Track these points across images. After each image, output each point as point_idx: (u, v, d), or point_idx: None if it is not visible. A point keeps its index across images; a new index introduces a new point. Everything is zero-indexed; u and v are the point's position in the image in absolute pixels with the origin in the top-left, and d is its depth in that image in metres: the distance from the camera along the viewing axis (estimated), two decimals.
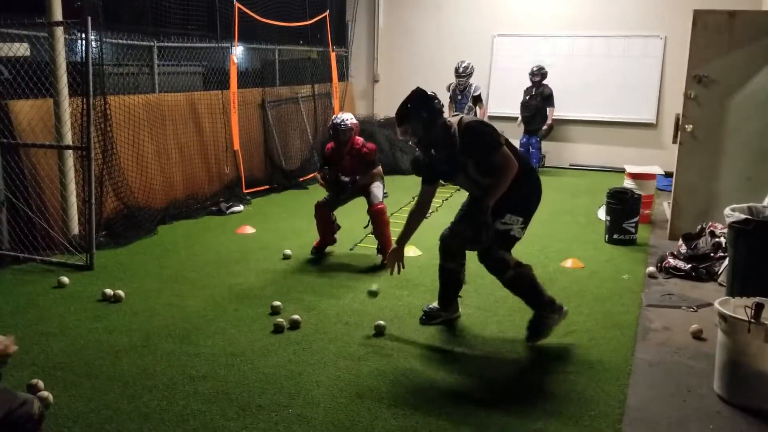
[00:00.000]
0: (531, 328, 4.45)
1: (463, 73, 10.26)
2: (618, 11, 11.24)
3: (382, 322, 4.58)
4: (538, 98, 10.89)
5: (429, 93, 4.30)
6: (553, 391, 3.80)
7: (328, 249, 6.44)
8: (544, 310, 4.44)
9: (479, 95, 10.43)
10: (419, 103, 4.23)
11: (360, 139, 6.21)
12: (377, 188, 6.17)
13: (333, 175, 6.17)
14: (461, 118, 4.36)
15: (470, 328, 4.66)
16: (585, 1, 11.48)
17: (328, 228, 6.28)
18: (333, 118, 6.27)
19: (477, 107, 10.41)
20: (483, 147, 4.19)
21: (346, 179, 6.13)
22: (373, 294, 4.79)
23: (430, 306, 4.82)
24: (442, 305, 4.78)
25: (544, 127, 10.84)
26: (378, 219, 6.01)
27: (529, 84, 11.01)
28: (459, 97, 10.37)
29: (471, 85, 10.36)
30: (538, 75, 10.92)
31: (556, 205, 8.46)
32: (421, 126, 4.22)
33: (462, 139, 4.22)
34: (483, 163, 4.21)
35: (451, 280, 4.72)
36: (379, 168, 6.24)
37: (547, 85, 10.84)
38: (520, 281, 4.41)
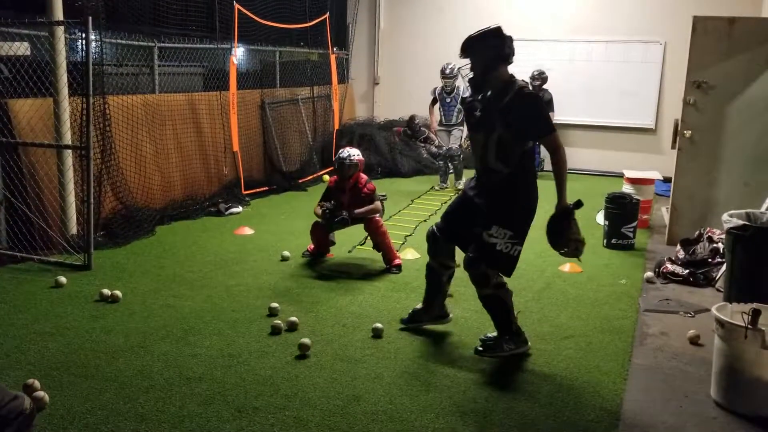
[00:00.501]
0: (486, 343, 4.29)
1: (450, 75, 9.74)
2: (618, 17, 11.26)
3: (379, 325, 4.58)
4: None
5: (507, 35, 4.04)
6: (550, 395, 3.80)
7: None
8: (506, 336, 4.27)
9: None
10: (494, 39, 3.99)
11: (364, 178, 6.14)
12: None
13: (332, 212, 6.02)
14: (526, 83, 4.13)
15: (467, 331, 4.66)
16: (585, 6, 11.50)
17: (322, 243, 6.27)
18: (339, 152, 6.17)
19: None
20: (531, 119, 3.97)
21: (345, 214, 5.99)
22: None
23: (416, 308, 4.74)
24: (424, 306, 4.68)
25: None
26: (375, 231, 5.99)
27: (530, 88, 11.03)
28: (447, 100, 9.94)
29: (459, 87, 9.77)
30: (539, 79, 10.98)
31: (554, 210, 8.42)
32: (482, 63, 3.99)
33: (514, 100, 3.97)
34: (513, 136, 3.95)
35: (432, 278, 4.60)
36: (378, 204, 6.12)
37: (547, 90, 10.86)
38: (494, 303, 4.26)
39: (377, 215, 6.06)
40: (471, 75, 4.06)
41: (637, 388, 3.92)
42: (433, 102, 10.11)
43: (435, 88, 10.07)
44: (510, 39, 4.10)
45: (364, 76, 13.21)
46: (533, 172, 4.28)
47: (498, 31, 4.04)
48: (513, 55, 4.07)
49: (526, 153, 4.12)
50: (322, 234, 6.19)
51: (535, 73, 11.01)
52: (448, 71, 9.81)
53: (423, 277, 5.70)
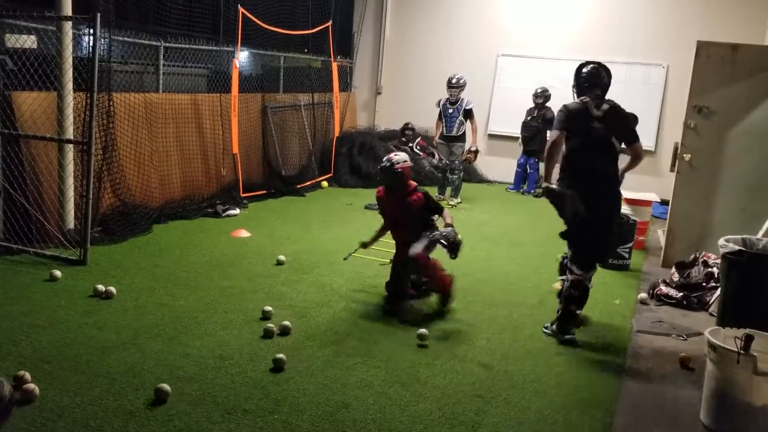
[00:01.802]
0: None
1: (456, 84, 9.75)
2: (622, 38, 11.32)
3: (373, 333, 4.58)
4: (539, 120, 11.01)
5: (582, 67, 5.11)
6: (540, 412, 3.80)
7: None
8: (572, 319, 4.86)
9: (471, 109, 9.84)
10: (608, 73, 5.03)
11: (413, 184, 5.45)
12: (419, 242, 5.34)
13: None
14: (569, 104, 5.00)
15: (460, 344, 4.67)
16: (589, 26, 11.56)
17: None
18: (384, 159, 5.43)
19: (468, 122, 9.89)
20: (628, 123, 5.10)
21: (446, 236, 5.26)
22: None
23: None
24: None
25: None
26: (418, 266, 5.33)
27: (532, 105, 11.13)
28: (450, 111, 9.80)
29: (463, 99, 9.81)
30: (542, 97, 11.06)
31: (552, 227, 8.43)
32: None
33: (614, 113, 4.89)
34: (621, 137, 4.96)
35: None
36: (446, 211, 5.54)
37: (549, 108, 10.88)
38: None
39: (418, 251, 5.25)
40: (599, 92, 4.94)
41: (626, 409, 3.92)
42: (440, 116, 10.00)
43: (439, 100, 10.01)
44: (577, 70, 5.13)
45: (367, 85, 13.25)
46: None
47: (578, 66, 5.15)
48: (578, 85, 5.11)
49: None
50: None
51: (539, 90, 11.11)
52: (455, 81, 9.79)
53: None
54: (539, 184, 11.22)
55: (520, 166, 11.33)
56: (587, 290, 4.87)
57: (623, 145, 5.01)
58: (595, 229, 4.83)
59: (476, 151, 10.01)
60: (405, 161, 5.38)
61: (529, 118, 11.20)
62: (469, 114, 9.84)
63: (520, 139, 11.30)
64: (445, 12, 12.46)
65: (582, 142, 4.87)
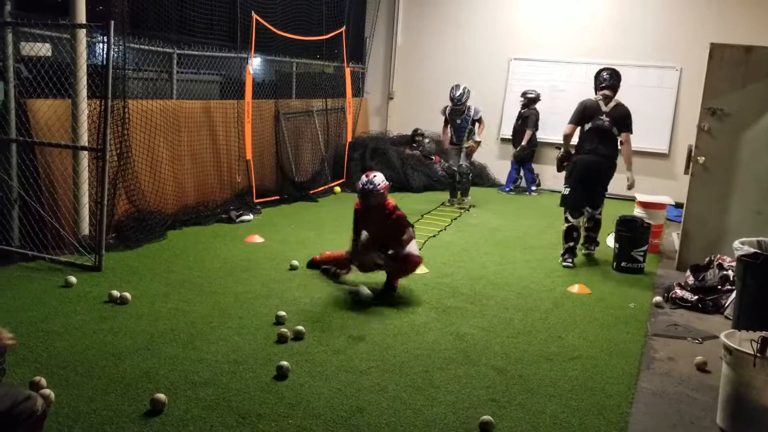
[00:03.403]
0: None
1: (458, 102, 9.60)
2: (635, 41, 11.28)
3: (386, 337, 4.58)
4: (518, 121, 11.44)
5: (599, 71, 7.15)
6: (555, 416, 3.78)
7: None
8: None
9: (480, 118, 9.80)
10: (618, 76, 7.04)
11: (391, 203, 5.74)
12: (413, 248, 5.79)
13: (365, 253, 5.73)
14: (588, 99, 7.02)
15: (473, 349, 4.66)
16: (602, 29, 11.52)
17: (340, 266, 6.10)
18: (361, 179, 5.70)
19: (476, 126, 9.84)
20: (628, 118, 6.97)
21: (380, 261, 5.65)
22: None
23: None
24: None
25: (518, 147, 11.30)
26: (409, 268, 5.74)
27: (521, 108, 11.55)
28: (458, 122, 9.76)
29: (470, 108, 9.71)
30: (524, 98, 11.40)
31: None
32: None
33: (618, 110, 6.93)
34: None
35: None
36: (411, 232, 5.76)
37: (535, 109, 11.30)
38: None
39: (418, 253, 5.82)
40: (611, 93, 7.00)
41: (642, 413, 3.90)
42: (446, 122, 9.96)
43: (445, 108, 9.91)
44: (596, 74, 7.22)
45: (379, 90, 13.28)
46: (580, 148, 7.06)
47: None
48: (595, 85, 7.17)
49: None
50: (345, 265, 6.03)
51: (524, 92, 11.43)
52: (456, 99, 9.60)
53: (431, 291, 5.78)
54: (538, 183, 11.74)
55: (513, 165, 11.69)
56: (578, 229, 7.04)
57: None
58: (587, 186, 6.95)
59: (479, 141, 9.96)
60: (383, 182, 5.64)
61: (518, 121, 11.53)
62: (478, 122, 9.83)
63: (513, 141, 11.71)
64: (457, 17, 12.47)
65: (591, 129, 6.93)
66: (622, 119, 6.87)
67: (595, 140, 6.84)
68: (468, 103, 9.70)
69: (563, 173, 7.22)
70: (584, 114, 6.93)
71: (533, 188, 11.54)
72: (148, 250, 6.61)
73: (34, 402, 2.61)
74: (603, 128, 6.83)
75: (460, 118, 9.75)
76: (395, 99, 13.17)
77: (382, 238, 5.75)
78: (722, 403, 3.76)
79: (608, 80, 6.91)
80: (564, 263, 6.92)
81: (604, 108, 6.85)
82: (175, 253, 6.58)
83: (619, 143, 6.91)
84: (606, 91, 6.87)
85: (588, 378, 4.30)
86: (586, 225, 7.24)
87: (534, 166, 11.72)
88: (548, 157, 11.92)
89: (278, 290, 5.63)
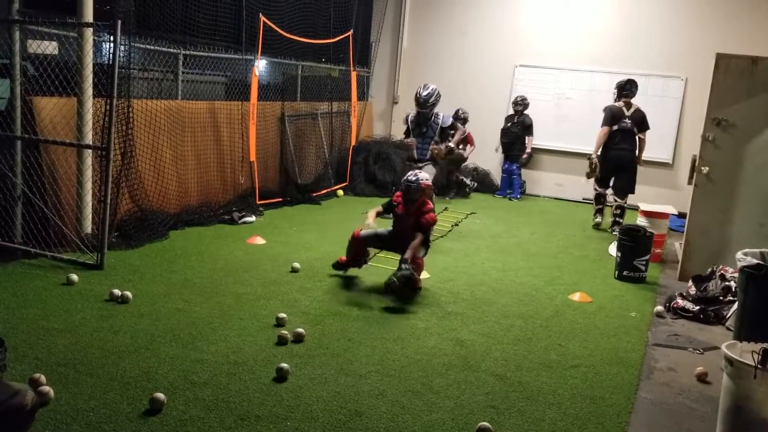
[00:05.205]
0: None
1: (424, 104, 8.28)
2: (640, 50, 11.29)
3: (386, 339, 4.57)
4: (518, 127, 11.41)
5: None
6: (554, 423, 3.77)
7: None
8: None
9: (454, 124, 8.63)
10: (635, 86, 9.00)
11: (430, 206, 6.03)
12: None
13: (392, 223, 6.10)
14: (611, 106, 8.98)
15: (474, 354, 4.65)
16: (608, 38, 11.53)
17: (359, 256, 6.22)
18: (408, 174, 6.05)
19: (451, 136, 8.52)
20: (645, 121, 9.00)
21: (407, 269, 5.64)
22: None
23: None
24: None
25: (524, 156, 11.43)
26: (416, 266, 5.82)
27: (512, 112, 11.54)
28: (423, 129, 8.36)
29: (438, 115, 8.41)
30: (521, 105, 11.42)
31: (567, 239, 8.46)
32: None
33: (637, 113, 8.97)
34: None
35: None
36: (423, 244, 5.97)
37: (528, 115, 11.34)
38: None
39: (421, 255, 5.99)
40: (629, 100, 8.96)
41: (641, 422, 3.89)
42: (407, 132, 8.69)
43: (407, 116, 8.73)
44: (617, 84, 9.14)
45: (384, 94, 13.29)
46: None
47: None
48: (617, 93, 9.12)
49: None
50: (362, 248, 6.20)
51: (518, 98, 11.50)
52: (422, 99, 8.28)
53: (432, 296, 5.77)
54: (523, 189, 11.89)
55: (505, 172, 11.74)
56: (604, 196, 9.34)
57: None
58: (617, 172, 9.01)
59: (451, 148, 8.56)
60: (427, 179, 6.05)
61: (509, 125, 11.55)
62: (448, 130, 8.53)
63: (500, 147, 11.74)
64: (463, 23, 12.49)
65: (618, 129, 8.85)
66: (642, 121, 8.89)
67: (620, 138, 8.83)
68: (436, 110, 8.40)
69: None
70: (613, 117, 8.81)
71: (519, 194, 11.65)
72: (150, 249, 6.61)
73: (23, 397, 2.60)
74: (627, 129, 8.84)
75: (426, 125, 8.37)
76: (399, 103, 13.18)
77: (403, 233, 5.97)
78: (722, 414, 3.74)
79: (630, 89, 8.91)
80: (594, 222, 9.48)
81: (626, 112, 8.87)
82: (176, 253, 6.58)
83: (638, 140, 8.93)
84: (627, 98, 8.88)
85: (588, 386, 4.29)
86: (614, 212, 9.06)
87: (529, 171, 11.89)
88: (545, 163, 11.97)
89: (279, 292, 5.63)
